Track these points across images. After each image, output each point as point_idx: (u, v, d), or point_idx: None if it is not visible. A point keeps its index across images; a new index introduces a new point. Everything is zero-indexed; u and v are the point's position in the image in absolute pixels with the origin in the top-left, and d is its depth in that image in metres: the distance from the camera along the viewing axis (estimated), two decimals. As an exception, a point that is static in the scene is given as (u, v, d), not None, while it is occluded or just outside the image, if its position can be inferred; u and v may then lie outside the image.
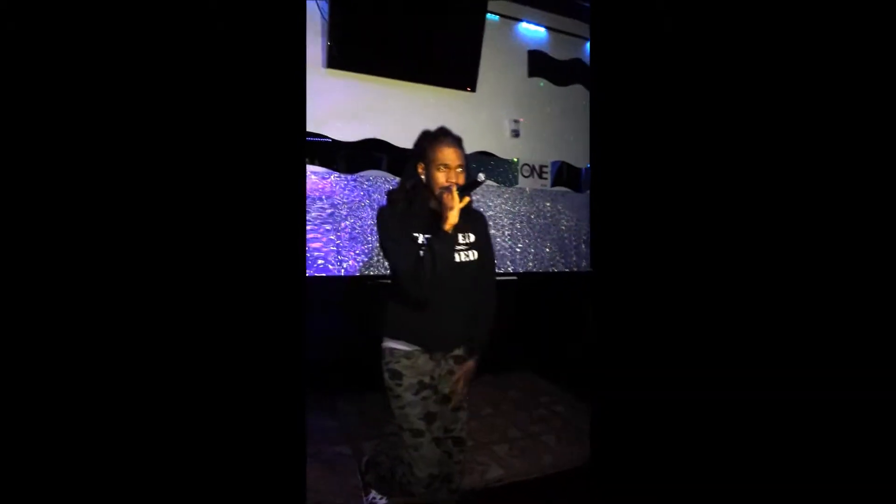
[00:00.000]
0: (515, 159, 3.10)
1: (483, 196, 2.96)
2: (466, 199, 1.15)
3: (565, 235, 3.23)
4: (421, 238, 1.19)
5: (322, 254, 2.53)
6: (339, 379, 2.52)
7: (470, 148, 1.40)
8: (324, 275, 2.52)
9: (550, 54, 3.15)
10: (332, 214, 2.55)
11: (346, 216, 2.59)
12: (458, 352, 1.33)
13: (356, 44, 2.44)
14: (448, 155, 1.18)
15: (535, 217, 3.14)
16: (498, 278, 1.41)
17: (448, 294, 1.20)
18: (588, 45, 3.26)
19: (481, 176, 1.12)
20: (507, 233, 3.04)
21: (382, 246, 1.21)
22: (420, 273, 1.11)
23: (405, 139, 2.68)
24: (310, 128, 2.39)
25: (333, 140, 2.53)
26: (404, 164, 1.27)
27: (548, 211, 3.18)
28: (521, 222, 3.10)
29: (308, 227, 2.46)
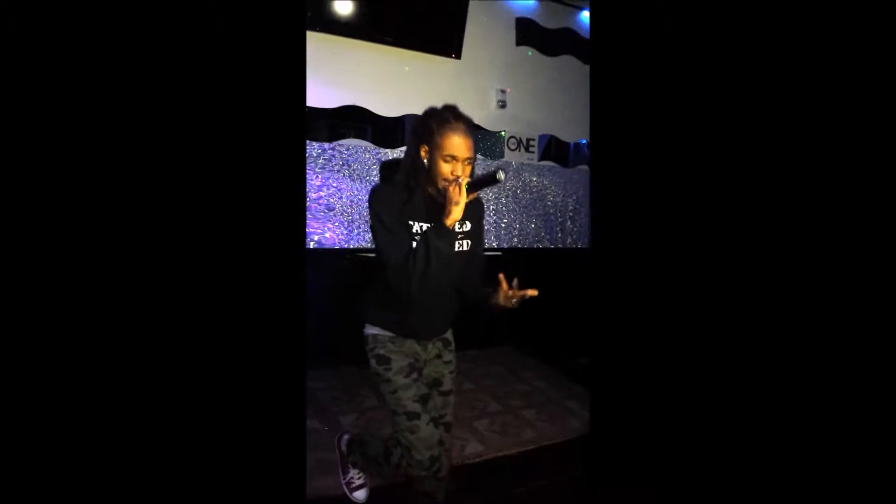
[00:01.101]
0: (502, 132, 3.01)
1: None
2: (474, 195, 1.05)
3: (551, 211, 3.18)
4: (416, 227, 1.09)
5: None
6: (310, 353, 2.47)
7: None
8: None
9: (540, 23, 3.03)
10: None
11: (319, 187, 2.49)
12: (446, 335, 1.28)
13: (333, 3, 2.30)
14: (457, 145, 1.04)
15: (520, 192, 3.07)
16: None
17: (436, 285, 1.11)
18: (580, 14, 3.15)
19: (500, 175, 0.99)
20: (491, 207, 2.98)
21: (373, 228, 1.11)
22: (410, 267, 1.02)
23: (385, 107, 2.57)
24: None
25: (308, 107, 2.41)
26: (386, 134, 1.18)
27: (534, 186, 3.12)
28: (507, 197, 3.03)
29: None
